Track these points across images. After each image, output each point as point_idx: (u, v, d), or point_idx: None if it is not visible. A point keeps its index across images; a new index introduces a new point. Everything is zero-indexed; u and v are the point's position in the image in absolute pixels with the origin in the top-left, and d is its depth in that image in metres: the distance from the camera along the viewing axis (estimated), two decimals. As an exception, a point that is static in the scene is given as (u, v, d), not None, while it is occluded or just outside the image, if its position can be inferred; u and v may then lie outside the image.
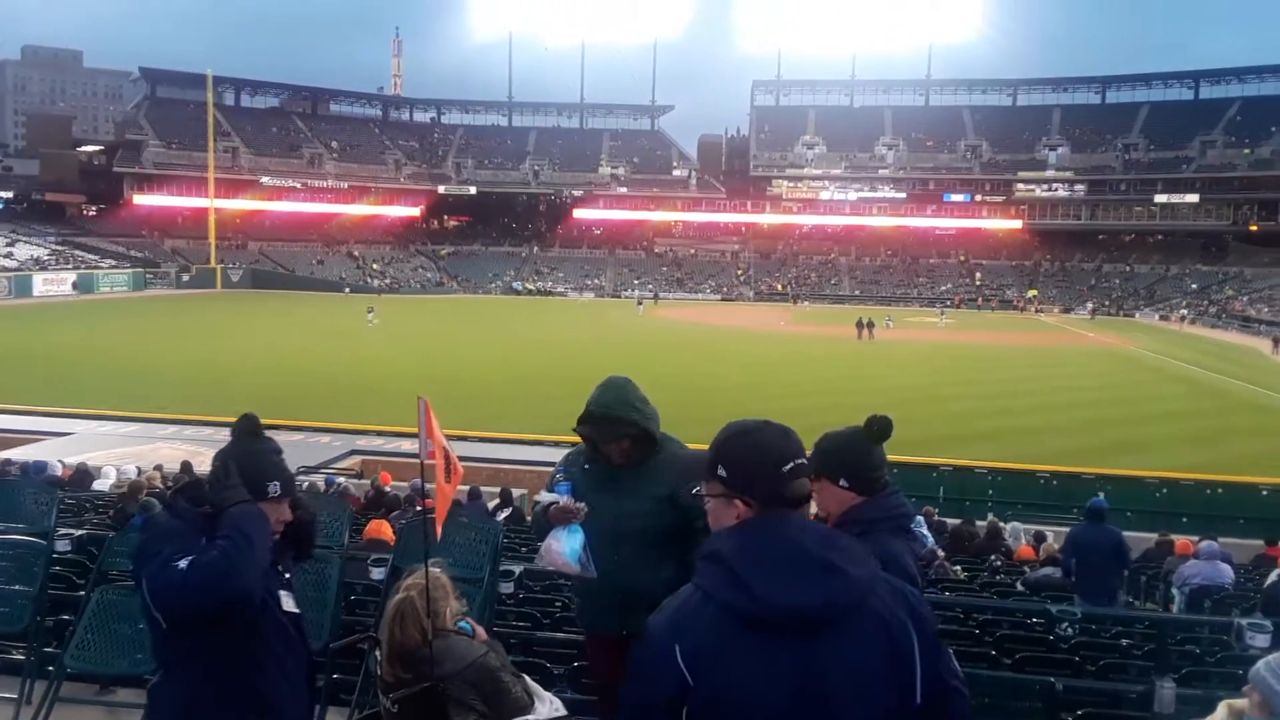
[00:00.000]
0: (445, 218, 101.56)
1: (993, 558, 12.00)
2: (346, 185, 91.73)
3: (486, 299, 78.88)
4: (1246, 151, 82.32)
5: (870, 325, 50.67)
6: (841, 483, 3.18)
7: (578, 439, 4.03)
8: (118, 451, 17.91)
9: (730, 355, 41.93)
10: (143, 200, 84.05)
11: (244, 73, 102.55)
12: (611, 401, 3.86)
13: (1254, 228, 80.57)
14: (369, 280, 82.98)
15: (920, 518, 12.15)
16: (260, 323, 52.03)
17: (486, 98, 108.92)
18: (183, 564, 2.80)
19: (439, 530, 3.56)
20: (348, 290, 75.27)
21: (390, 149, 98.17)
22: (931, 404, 29.71)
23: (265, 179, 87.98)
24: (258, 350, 38.86)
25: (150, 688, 3.11)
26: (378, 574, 4.06)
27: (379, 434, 21.08)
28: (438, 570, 3.20)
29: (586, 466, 4.00)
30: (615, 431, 3.84)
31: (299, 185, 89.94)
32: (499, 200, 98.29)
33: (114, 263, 74.91)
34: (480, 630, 3.29)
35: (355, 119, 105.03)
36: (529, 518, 13.52)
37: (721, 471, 2.19)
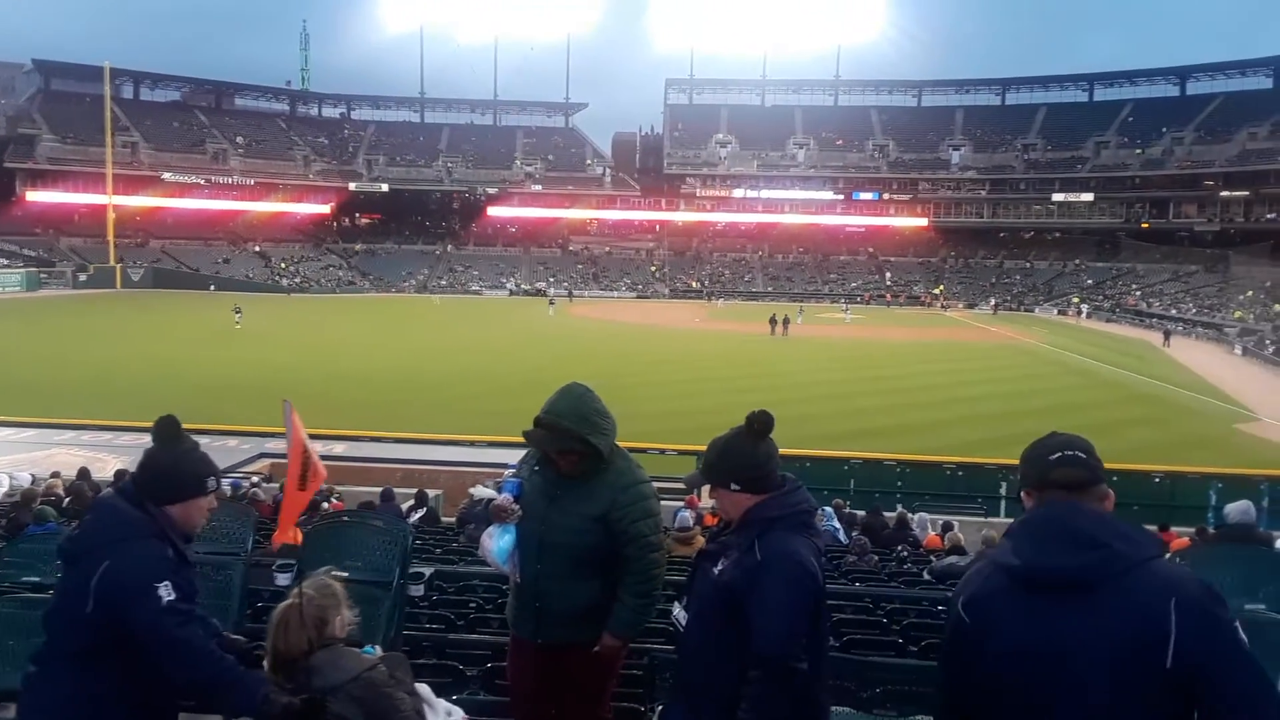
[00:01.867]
0: (357, 215, 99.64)
1: (900, 548, 12.28)
2: (253, 182, 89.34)
3: (400, 298, 77.70)
4: (1138, 152, 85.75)
5: (785, 322, 51.44)
6: (733, 486, 3.18)
7: (508, 439, 4.01)
8: (11, 459, 17.19)
9: (645, 353, 42.07)
10: (36, 197, 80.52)
11: (144, 65, 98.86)
12: (563, 411, 3.78)
13: (1146, 225, 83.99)
14: (277, 279, 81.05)
15: (830, 510, 12.38)
16: (160, 323, 50.39)
17: (398, 94, 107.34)
18: (164, 595, 2.89)
19: (276, 540, 3.47)
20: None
21: (299, 145, 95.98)
22: (843, 399, 30.34)
23: (167, 175, 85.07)
24: (158, 351, 37.64)
25: (29, 678, 3.00)
26: (283, 579, 3.98)
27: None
28: (327, 579, 3.12)
29: (536, 469, 3.94)
30: (561, 443, 3.77)
31: (202, 181, 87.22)
32: (412, 198, 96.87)
33: (5, 262, 71.68)
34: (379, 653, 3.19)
35: (262, 114, 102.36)
36: (444, 519, 13.43)
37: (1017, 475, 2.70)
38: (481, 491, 3.83)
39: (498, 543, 3.75)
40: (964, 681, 2.40)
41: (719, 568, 3.15)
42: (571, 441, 3.74)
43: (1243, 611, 4.49)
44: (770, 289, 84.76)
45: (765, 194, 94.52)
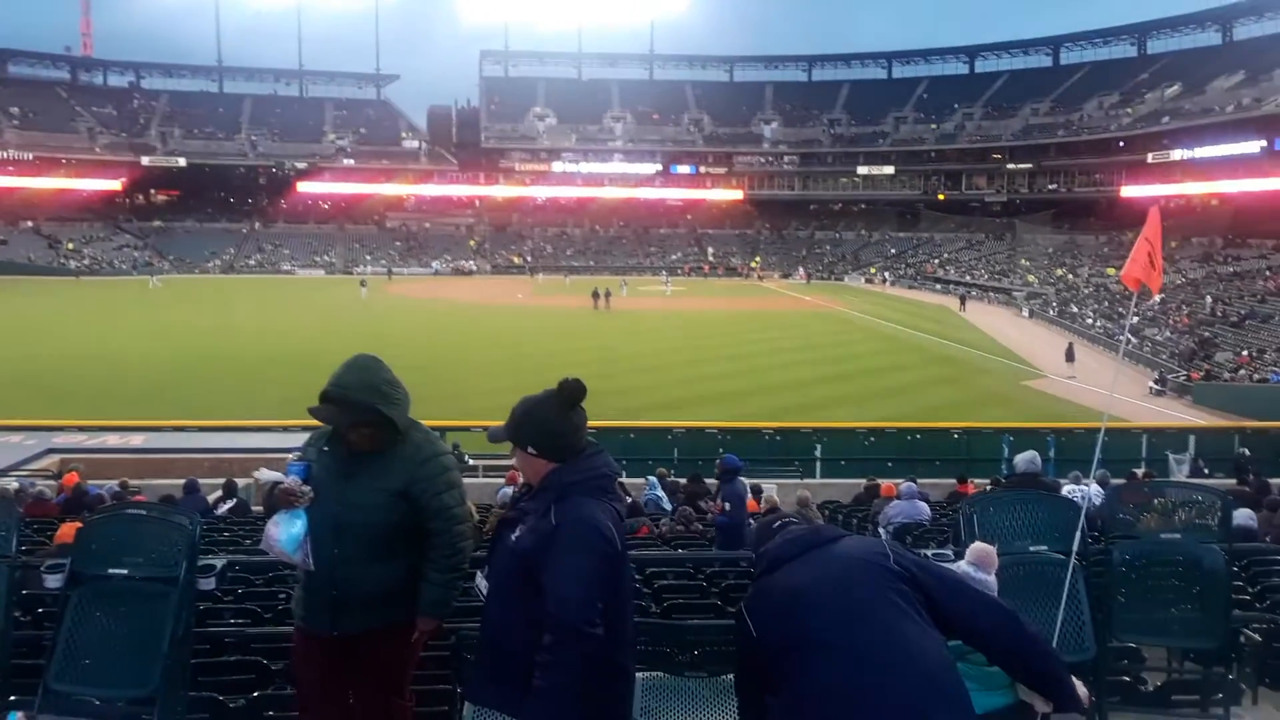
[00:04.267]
0: (152, 192, 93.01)
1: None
2: (31, 156, 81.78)
3: (203, 279, 73.47)
4: (933, 126, 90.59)
5: (607, 295, 51.77)
6: (530, 450, 3.14)
7: (315, 423, 3.72)
8: None
9: (468, 331, 41.50)
10: None
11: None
12: (352, 383, 3.56)
13: (942, 196, 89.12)
14: (64, 261, 75.02)
15: (654, 479, 12.53)
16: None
17: (192, 62, 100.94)
18: None
19: None
20: None
21: (83, 116, 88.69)
22: (666, 370, 30.89)
23: (-71, 150, 77.08)
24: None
25: None
26: (53, 581, 3.63)
27: (81, 429, 19.16)
28: None
29: (326, 449, 3.69)
30: (353, 416, 3.55)
31: (-29, 157, 79.43)
32: (213, 173, 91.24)
33: None
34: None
35: (39, 83, 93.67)
36: (256, 509, 12.80)
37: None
38: (266, 475, 3.54)
39: (286, 530, 3.48)
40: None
41: (516, 534, 3.09)
42: (364, 414, 3.53)
43: (1027, 553, 4.80)
44: (592, 263, 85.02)
45: (585, 168, 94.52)
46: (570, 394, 3.13)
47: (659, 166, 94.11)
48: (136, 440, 17.66)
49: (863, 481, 14.84)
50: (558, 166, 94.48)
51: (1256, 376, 30.36)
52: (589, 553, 2.94)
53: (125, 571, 3.59)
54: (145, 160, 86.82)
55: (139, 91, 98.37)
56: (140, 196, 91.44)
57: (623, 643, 3.14)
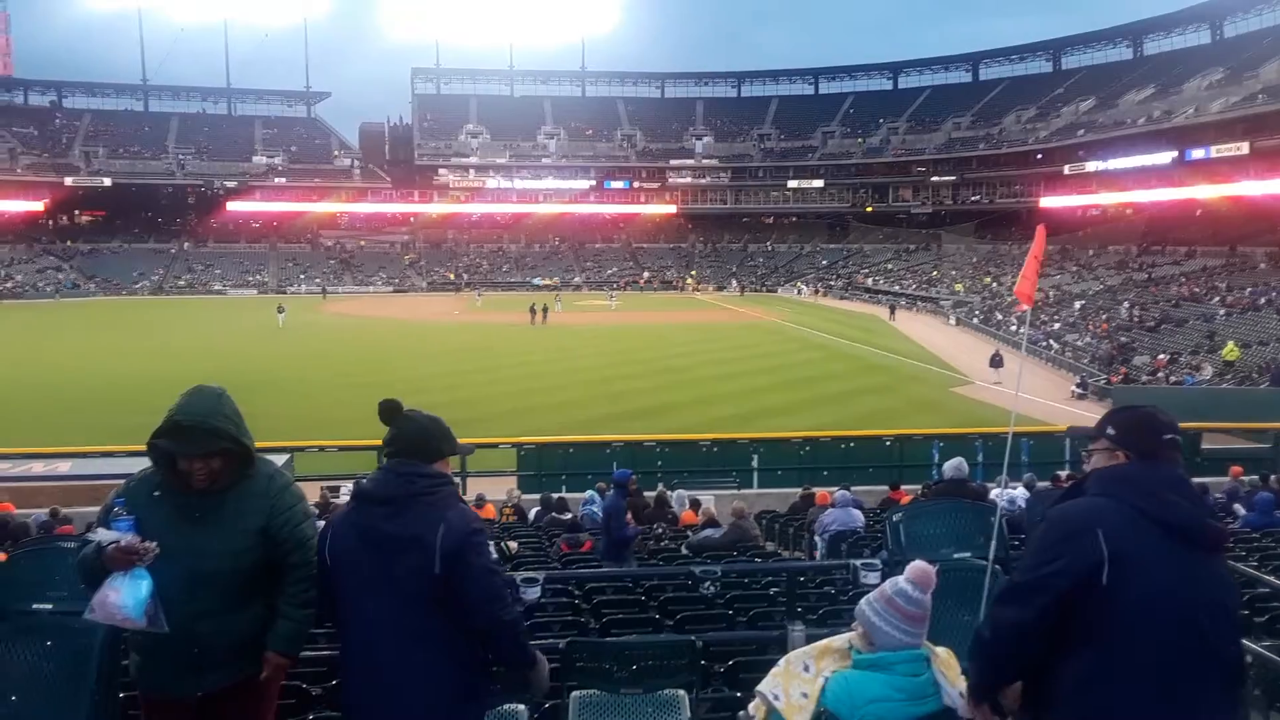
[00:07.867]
0: (76, 213, 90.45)
1: (658, 525, 12.67)
2: (-52, 179, 79.06)
3: (129, 300, 71.67)
4: (860, 141, 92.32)
5: (544, 310, 51.73)
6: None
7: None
8: None
9: (404, 348, 41.08)
10: None
11: None
12: (205, 411, 3.34)
13: (870, 209, 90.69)
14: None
15: (593, 493, 12.63)
16: None
17: (116, 80, 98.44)
18: None
19: None
20: None
21: (3, 136, 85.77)
22: (603, 383, 30.93)
23: None
24: None
25: None
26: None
27: (2, 457, 18.56)
28: None
29: (156, 494, 3.39)
30: (205, 445, 3.31)
31: (-117, 178, 76.35)
32: (139, 193, 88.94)
33: None
34: None
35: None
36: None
37: (1110, 430, 2.78)
38: (105, 536, 3.22)
39: (131, 594, 3.16)
40: (1094, 618, 2.54)
41: None
42: (218, 441, 3.34)
43: (951, 560, 4.95)
44: (528, 279, 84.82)
45: (519, 184, 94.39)
46: (387, 412, 3.41)
47: (593, 182, 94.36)
48: (63, 467, 17.16)
49: (799, 490, 15.01)
50: (492, 183, 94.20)
51: (1173, 379, 31.44)
52: None
53: (50, 606, 3.52)
54: (69, 180, 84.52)
55: (61, 111, 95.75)
56: (64, 217, 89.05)
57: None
